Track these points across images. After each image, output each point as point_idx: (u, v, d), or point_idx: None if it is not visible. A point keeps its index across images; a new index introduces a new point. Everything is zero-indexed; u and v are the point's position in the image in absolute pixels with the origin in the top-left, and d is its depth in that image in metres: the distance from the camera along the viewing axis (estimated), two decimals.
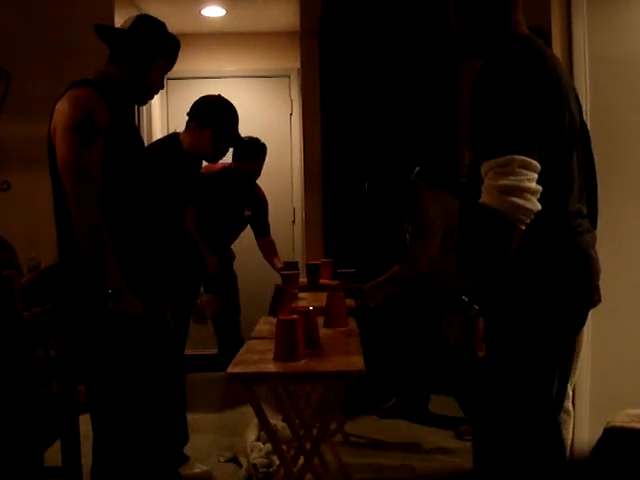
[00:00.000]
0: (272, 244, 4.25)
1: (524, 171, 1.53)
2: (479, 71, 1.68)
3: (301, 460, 2.44)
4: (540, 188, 1.56)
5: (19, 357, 2.10)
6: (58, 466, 2.48)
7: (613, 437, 1.87)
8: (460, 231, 1.81)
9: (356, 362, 2.13)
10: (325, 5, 4.65)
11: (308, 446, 2.36)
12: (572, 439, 2.73)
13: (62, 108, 1.98)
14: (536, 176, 1.55)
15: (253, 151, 3.95)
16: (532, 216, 1.55)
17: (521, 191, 1.53)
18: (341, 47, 5.15)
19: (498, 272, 1.58)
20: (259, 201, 4.17)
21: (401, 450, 3.40)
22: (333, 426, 3.33)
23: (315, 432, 2.31)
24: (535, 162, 1.55)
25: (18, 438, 2.09)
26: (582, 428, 2.83)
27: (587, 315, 1.77)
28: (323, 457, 2.67)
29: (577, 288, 1.68)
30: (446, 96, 5.09)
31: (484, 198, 1.57)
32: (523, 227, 1.55)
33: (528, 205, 1.53)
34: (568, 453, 2.42)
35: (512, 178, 1.53)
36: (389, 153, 4.94)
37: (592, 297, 1.73)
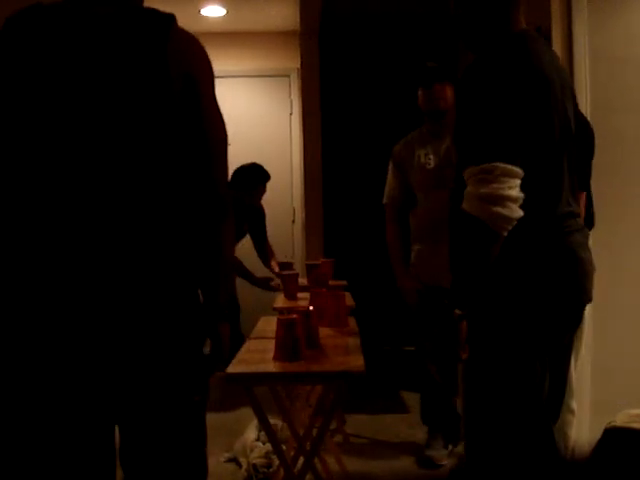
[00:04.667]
0: (269, 249, 4.31)
1: (505, 179, 1.53)
2: (464, 72, 1.67)
3: (301, 460, 2.44)
4: (522, 195, 1.55)
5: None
6: None
7: (613, 437, 1.87)
8: (450, 235, 1.82)
9: (356, 362, 2.13)
10: (325, 5, 4.65)
11: (308, 446, 2.36)
12: (573, 440, 2.73)
13: (205, 60, 1.48)
14: (518, 182, 1.55)
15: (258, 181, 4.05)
16: (514, 223, 1.56)
17: (502, 199, 1.53)
18: (341, 47, 5.16)
19: (479, 277, 1.59)
20: (257, 213, 4.23)
21: (401, 450, 3.40)
22: (333, 426, 3.32)
23: (315, 432, 2.31)
24: (517, 169, 1.55)
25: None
26: (582, 428, 2.83)
27: (577, 315, 1.75)
28: (323, 457, 2.67)
29: (565, 288, 1.67)
30: None
31: (465, 205, 1.58)
32: (505, 233, 1.56)
33: (508, 213, 1.54)
34: (570, 452, 2.42)
35: (493, 186, 1.53)
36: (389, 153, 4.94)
37: (580, 297, 1.72)
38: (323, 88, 4.85)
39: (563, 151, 1.69)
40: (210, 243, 1.45)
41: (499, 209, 1.53)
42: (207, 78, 1.46)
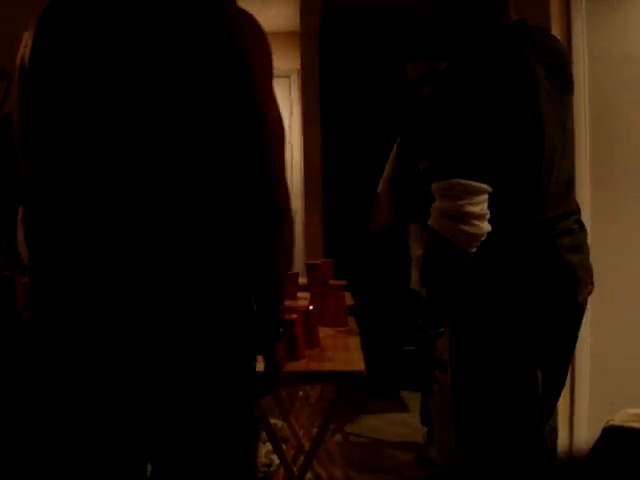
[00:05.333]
0: None
1: (467, 196, 1.52)
2: (440, 78, 1.67)
3: (301, 460, 2.44)
4: (487, 211, 1.54)
5: (18, 356, 2.11)
6: None
7: (612, 436, 1.87)
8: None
9: (356, 362, 2.14)
10: (325, 6, 4.66)
11: (308, 446, 2.36)
12: (572, 439, 2.74)
13: (261, 42, 1.29)
14: (484, 198, 1.54)
15: None
16: (481, 239, 1.55)
17: (464, 216, 1.52)
18: (341, 48, 5.16)
19: (450, 294, 1.60)
20: None
21: (401, 450, 3.40)
22: (333, 426, 3.33)
23: (315, 432, 2.32)
24: (481, 185, 1.53)
25: (19, 439, 2.09)
26: (582, 428, 2.83)
27: (567, 319, 1.73)
28: (323, 457, 2.68)
29: (549, 294, 1.64)
30: None
31: (431, 220, 1.58)
32: (472, 250, 1.55)
33: (471, 230, 1.52)
34: (568, 453, 2.43)
35: (455, 203, 1.52)
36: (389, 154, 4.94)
37: (568, 302, 1.69)
38: (323, 89, 4.86)
39: (542, 150, 1.65)
40: (265, 252, 1.27)
41: (462, 226, 1.52)
42: (262, 64, 1.27)
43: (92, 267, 1.21)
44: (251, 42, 1.25)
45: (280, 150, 1.28)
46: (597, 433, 1.94)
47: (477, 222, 1.53)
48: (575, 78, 2.85)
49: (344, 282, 3.87)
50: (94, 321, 1.21)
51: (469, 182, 1.53)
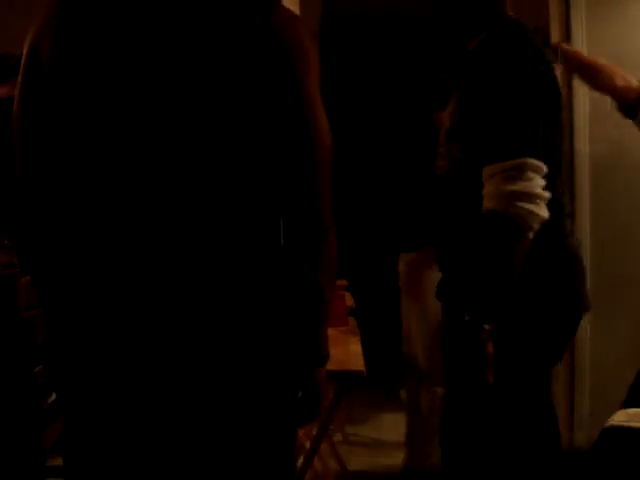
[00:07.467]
0: None
1: (535, 175, 1.44)
2: (473, 61, 1.61)
3: (301, 460, 2.44)
4: (548, 195, 1.47)
5: (20, 357, 2.10)
6: (59, 466, 2.47)
7: (612, 436, 1.87)
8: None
9: (356, 362, 2.14)
10: (325, 8, 4.66)
11: (308, 446, 2.36)
12: (572, 439, 2.74)
13: (308, 45, 1.26)
14: (544, 182, 1.46)
15: None
16: (542, 222, 1.46)
17: (532, 197, 1.44)
18: (341, 50, 5.16)
19: (508, 284, 1.47)
20: None
21: (401, 449, 3.40)
22: (333, 426, 3.33)
23: (315, 432, 2.32)
24: (544, 165, 1.46)
25: (18, 438, 2.09)
26: (582, 428, 2.83)
27: (577, 318, 1.71)
28: (323, 457, 2.67)
29: (569, 296, 1.63)
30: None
31: (490, 204, 1.47)
32: (531, 234, 1.46)
33: (539, 211, 1.45)
34: (568, 453, 2.43)
35: (523, 184, 1.43)
36: (389, 155, 4.95)
37: (581, 305, 1.69)
38: (323, 90, 4.85)
39: (560, 145, 1.63)
40: (309, 271, 1.15)
41: (529, 206, 1.43)
42: (309, 66, 1.23)
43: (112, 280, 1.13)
44: (297, 46, 1.19)
45: (329, 163, 1.19)
46: (597, 433, 1.94)
47: (543, 204, 1.46)
48: (575, 78, 2.88)
49: (344, 282, 3.87)
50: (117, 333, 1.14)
51: (536, 161, 1.45)
